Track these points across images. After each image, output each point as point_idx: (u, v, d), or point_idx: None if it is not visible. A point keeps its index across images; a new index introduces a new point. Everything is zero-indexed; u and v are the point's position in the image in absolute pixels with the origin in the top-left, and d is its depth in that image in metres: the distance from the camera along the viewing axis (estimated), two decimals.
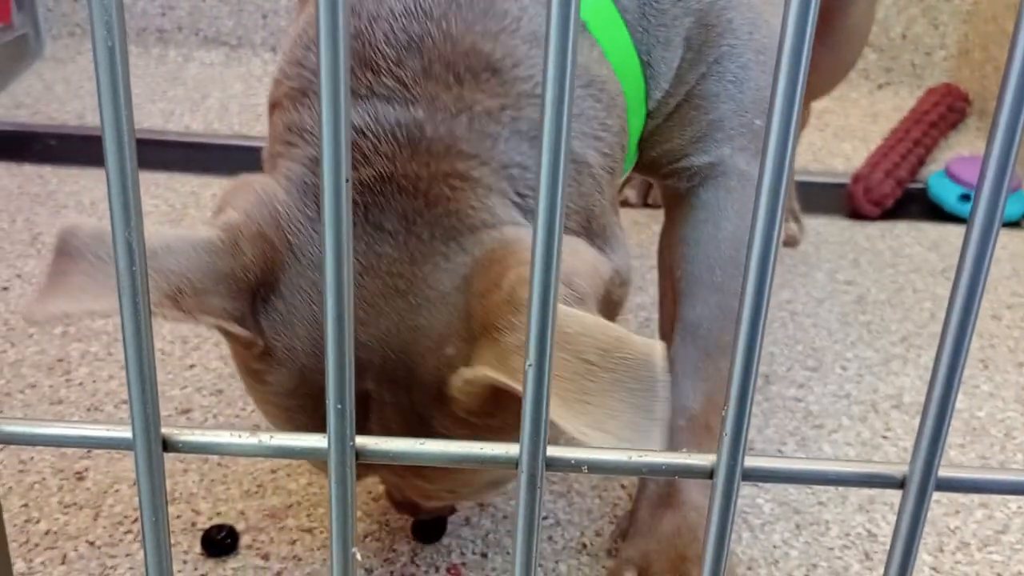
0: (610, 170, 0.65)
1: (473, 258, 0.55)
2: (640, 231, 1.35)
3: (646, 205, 1.41)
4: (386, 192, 0.56)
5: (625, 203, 1.41)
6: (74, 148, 1.51)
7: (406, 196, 0.56)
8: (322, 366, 0.55)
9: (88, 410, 0.93)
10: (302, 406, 0.58)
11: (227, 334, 0.56)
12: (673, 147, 0.73)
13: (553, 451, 0.39)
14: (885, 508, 0.85)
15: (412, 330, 0.55)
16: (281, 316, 0.56)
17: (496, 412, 0.54)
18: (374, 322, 0.55)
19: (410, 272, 0.55)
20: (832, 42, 1.10)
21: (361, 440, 0.39)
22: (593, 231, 0.62)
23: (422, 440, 0.40)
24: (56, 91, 1.70)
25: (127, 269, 0.36)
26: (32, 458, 0.87)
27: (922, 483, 0.39)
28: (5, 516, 0.80)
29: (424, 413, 0.56)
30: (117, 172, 0.34)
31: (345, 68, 0.32)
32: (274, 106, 0.62)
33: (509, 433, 0.54)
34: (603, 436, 0.45)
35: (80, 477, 0.84)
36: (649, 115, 0.71)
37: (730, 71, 0.71)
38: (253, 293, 0.56)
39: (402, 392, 0.56)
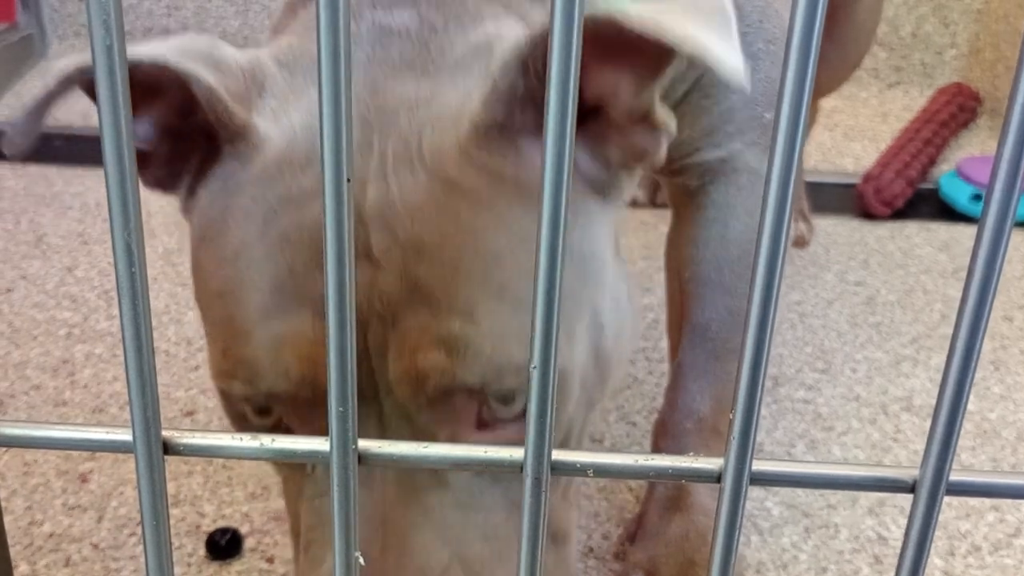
0: None
1: (498, 35, 0.52)
2: (648, 232, 1.34)
3: (654, 205, 1.40)
4: (394, 5, 0.53)
5: (634, 203, 1.40)
6: (79, 149, 1.51)
7: (415, 4, 0.53)
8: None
9: (92, 412, 0.93)
10: (292, 188, 0.50)
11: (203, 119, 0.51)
12: (684, 139, 0.71)
13: (558, 455, 0.38)
14: (895, 511, 0.84)
15: (436, 85, 0.51)
16: (274, 111, 0.52)
17: (508, 153, 0.49)
18: (393, 88, 0.51)
19: (426, 54, 0.52)
20: (838, 38, 1.09)
21: (364, 443, 0.38)
22: None
23: (425, 444, 0.39)
24: None
25: (126, 271, 0.35)
26: (36, 460, 0.86)
27: (933, 487, 0.38)
28: (9, 518, 0.80)
29: (434, 161, 0.49)
30: (116, 172, 0.34)
31: (346, 63, 0.31)
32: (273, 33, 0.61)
33: (520, 192, 0.49)
34: (703, 41, 0.43)
35: (84, 480, 0.84)
36: None
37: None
38: (240, 81, 0.51)
39: (413, 138, 0.49)
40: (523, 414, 0.49)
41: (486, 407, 0.50)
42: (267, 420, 0.53)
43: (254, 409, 0.52)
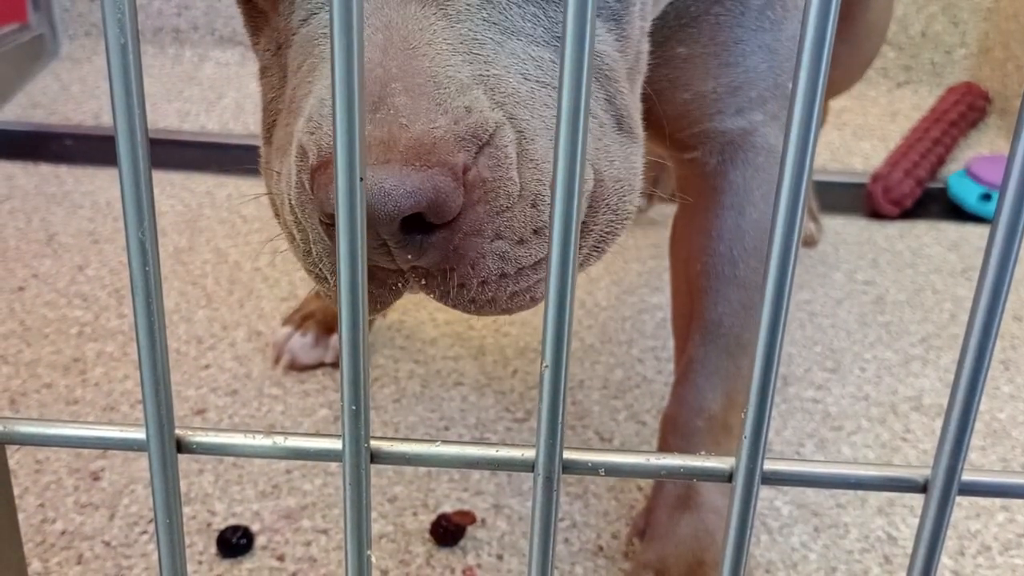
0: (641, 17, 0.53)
1: None
2: (657, 231, 1.34)
3: (650, 197, 1.33)
4: None
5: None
6: (90, 148, 1.52)
7: None
8: None
9: (104, 410, 0.93)
10: None
11: None
12: (706, 92, 0.66)
13: (570, 454, 0.38)
14: (905, 511, 0.84)
15: None
16: None
17: None
18: None
19: None
20: (851, 38, 1.09)
21: (376, 442, 0.39)
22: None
23: (438, 443, 0.40)
24: (72, 91, 1.71)
25: (140, 269, 0.35)
26: (48, 458, 0.87)
27: (945, 487, 0.38)
28: (21, 516, 0.80)
29: None
30: (130, 171, 0.34)
31: (360, 66, 0.31)
32: None
33: None
34: None
35: (96, 477, 0.84)
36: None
37: (770, 7, 0.64)
38: None
39: None
40: None
41: None
42: None
43: None
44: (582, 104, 0.31)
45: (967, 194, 1.39)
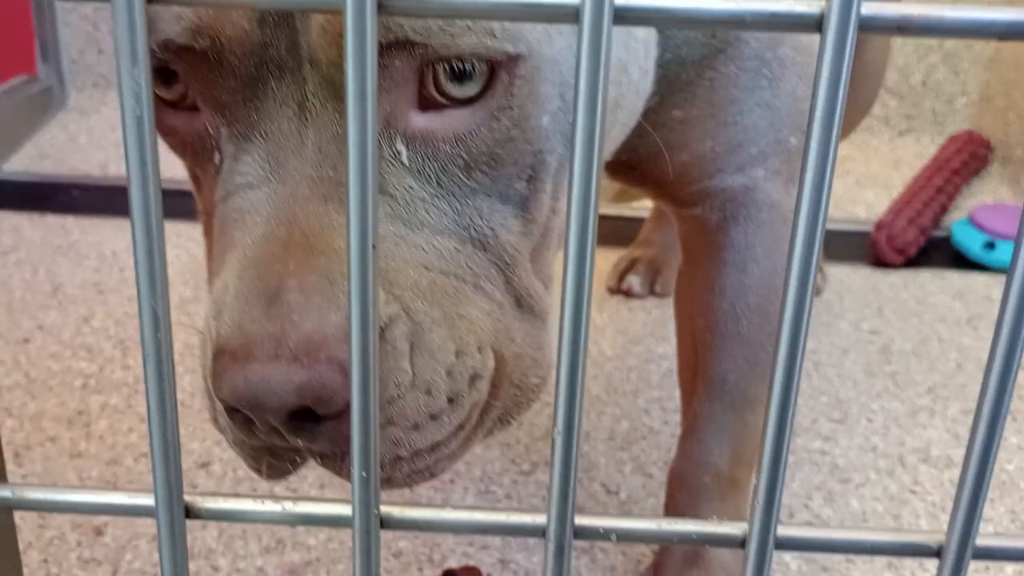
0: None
1: None
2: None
3: (652, 294, 1.31)
4: None
5: (629, 293, 1.30)
6: (97, 199, 1.52)
7: None
8: None
9: (108, 463, 0.93)
10: None
11: None
12: (705, 152, 0.66)
13: (581, 520, 0.38)
14: (914, 565, 0.83)
15: None
16: None
17: None
18: None
19: None
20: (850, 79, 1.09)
21: (386, 508, 0.38)
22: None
23: (447, 508, 0.39)
24: (79, 142, 1.72)
25: (152, 337, 0.35)
26: (51, 513, 0.86)
27: (959, 553, 0.38)
28: (25, 572, 0.79)
29: None
30: (144, 241, 0.34)
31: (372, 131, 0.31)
32: None
33: None
34: None
35: (99, 533, 0.84)
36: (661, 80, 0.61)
37: (766, 65, 0.64)
38: None
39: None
40: (480, 96, 0.45)
41: (431, 80, 0.45)
42: (172, 92, 0.48)
43: (156, 71, 0.47)
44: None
45: (971, 242, 1.39)
